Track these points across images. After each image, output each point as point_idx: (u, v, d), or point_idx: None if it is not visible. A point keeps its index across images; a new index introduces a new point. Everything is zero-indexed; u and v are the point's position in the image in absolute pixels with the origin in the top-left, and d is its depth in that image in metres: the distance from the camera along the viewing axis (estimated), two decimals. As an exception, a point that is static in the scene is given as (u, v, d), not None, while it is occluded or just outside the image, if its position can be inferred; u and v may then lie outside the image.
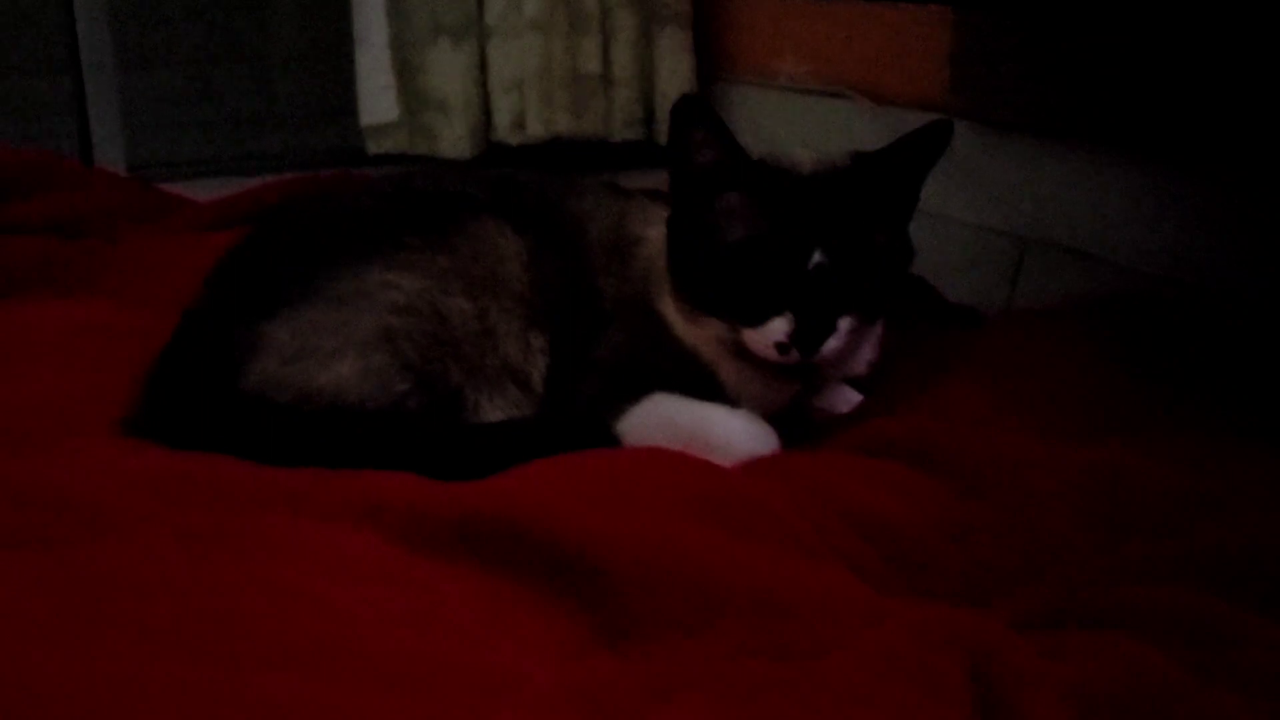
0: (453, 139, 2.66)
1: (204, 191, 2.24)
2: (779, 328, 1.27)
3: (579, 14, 2.73)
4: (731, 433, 1.29)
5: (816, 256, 1.27)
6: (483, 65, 2.69)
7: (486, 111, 2.71)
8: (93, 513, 1.06)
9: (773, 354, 1.28)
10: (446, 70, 2.63)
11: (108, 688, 0.79)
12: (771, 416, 1.35)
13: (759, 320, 1.28)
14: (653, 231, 1.41)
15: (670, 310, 1.36)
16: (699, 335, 1.35)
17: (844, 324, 1.28)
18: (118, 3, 2.82)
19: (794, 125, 2.56)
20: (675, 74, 2.79)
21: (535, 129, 2.70)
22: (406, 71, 2.63)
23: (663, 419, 1.30)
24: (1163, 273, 1.72)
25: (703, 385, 1.34)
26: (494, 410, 1.32)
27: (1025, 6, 1.94)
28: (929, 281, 1.86)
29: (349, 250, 1.33)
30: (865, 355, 1.43)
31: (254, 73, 3.13)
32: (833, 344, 1.28)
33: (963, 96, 2.13)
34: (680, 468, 1.15)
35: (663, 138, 2.66)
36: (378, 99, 2.58)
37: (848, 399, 1.44)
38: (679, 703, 0.85)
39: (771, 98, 2.65)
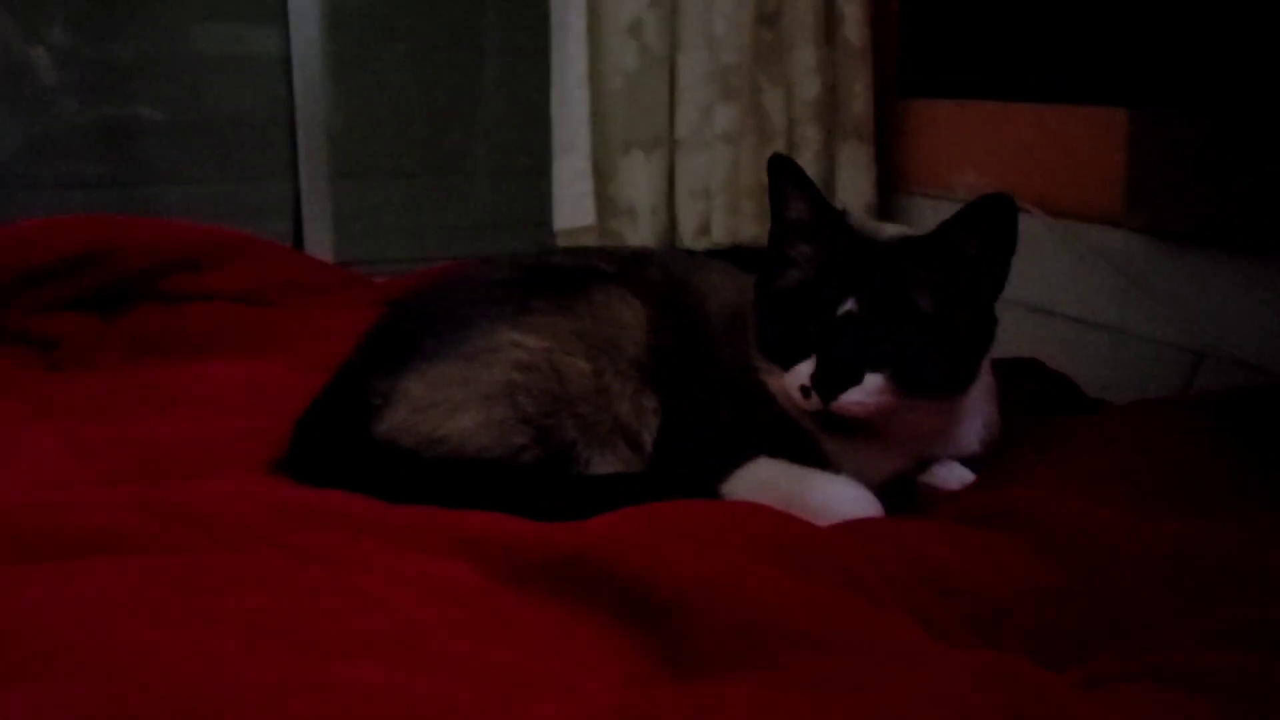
0: (638, 242, 2.76)
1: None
2: (803, 370, 1.30)
3: (767, 128, 2.81)
4: (830, 496, 1.31)
5: (847, 305, 1.29)
6: (671, 174, 2.79)
7: (672, 217, 2.81)
8: (218, 529, 1.18)
9: (800, 399, 1.31)
10: (636, 179, 2.75)
11: (202, 662, 0.91)
12: (883, 491, 1.37)
13: (791, 363, 1.32)
14: None
15: (771, 381, 1.39)
16: (793, 403, 1.37)
17: (872, 380, 1.29)
18: (335, 118, 3.05)
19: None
20: (855, 186, 2.84)
21: (719, 236, 2.78)
22: (598, 179, 2.75)
23: (765, 480, 1.34)
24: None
25: (807, 454, 1.37)
26: (604, 466, 1.39)
27: (1203, 106, 1.93)
28: (1070, 378, 1.85)
29: (481, 313, 1.43)
30: (974, 432, 1.44)
31: (457, 184, 3.32)
32: (857, 397, 1.28)
33: (1138, 209, 2.12)
34: (759, 517, 1.19)
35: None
36: (575, 205, 2.71)
37: (960, 477, 1.44)
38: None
39: (950, 211, 2.66)
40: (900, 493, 1.41)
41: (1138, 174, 2.11)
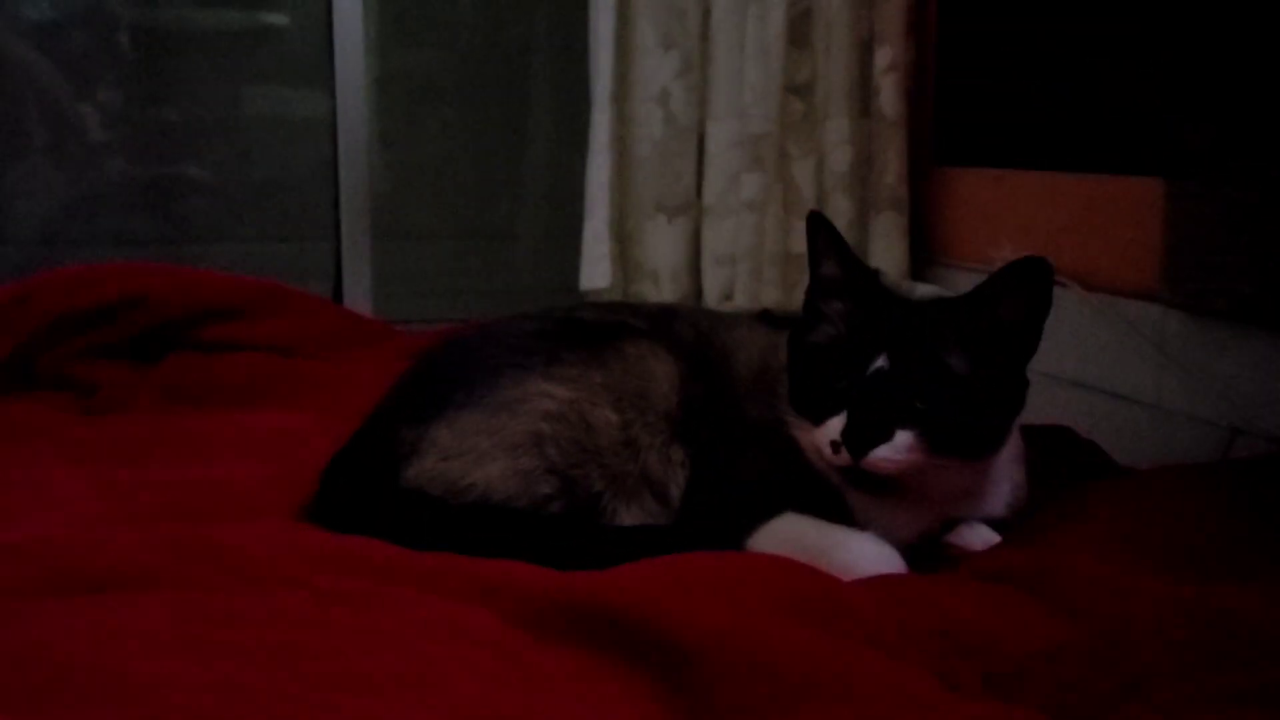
0: (661, 305, 2.78)
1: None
2: (834, 426, 1.30)
3: (795, 197, 2.82)
4: (856, 552, 1.31)
5: (879, 362, 1.30)
6: (697, 239, 2.82)
7: (697, 282, 2.83)
8: (244, 569, 1.19)
9: (830, 454, 1.31)
10: (660, 243, 2.77)
11: (219, 691, 0.92)
12: (908, 550, 1.37)
13: (822, 418, 1.32)
14: None
15: (802, 436, 1.39)
16: (823, 459, 1.38)
17: (902, 437, 1.29)
18: (379, 180, 3.10)
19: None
20: (890, 256, 2.84)
21: (742, 301, 2.79)
22: (625, 242, 2.79)
23: (790, 535, 1.34)
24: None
25: (834, 510, 1.37)
26: (630, 518, 1.40)
27: (1241, 179, 1.93)
28: (1100, 446, 1.84)
29: (511, 362, 1.45)
30: (1001, 495, 1.44)
31: (496, 248, 3.36)
32: (886, 454, 1.29)
33: (1175, 283, 2.12)
34: (780, 569, 1.20)
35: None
36: (595, 267, 2.74)
37: (985, 539, 1.43)
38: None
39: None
40: (925, 552, 1.40)
41: (1175, 246, 2.10)
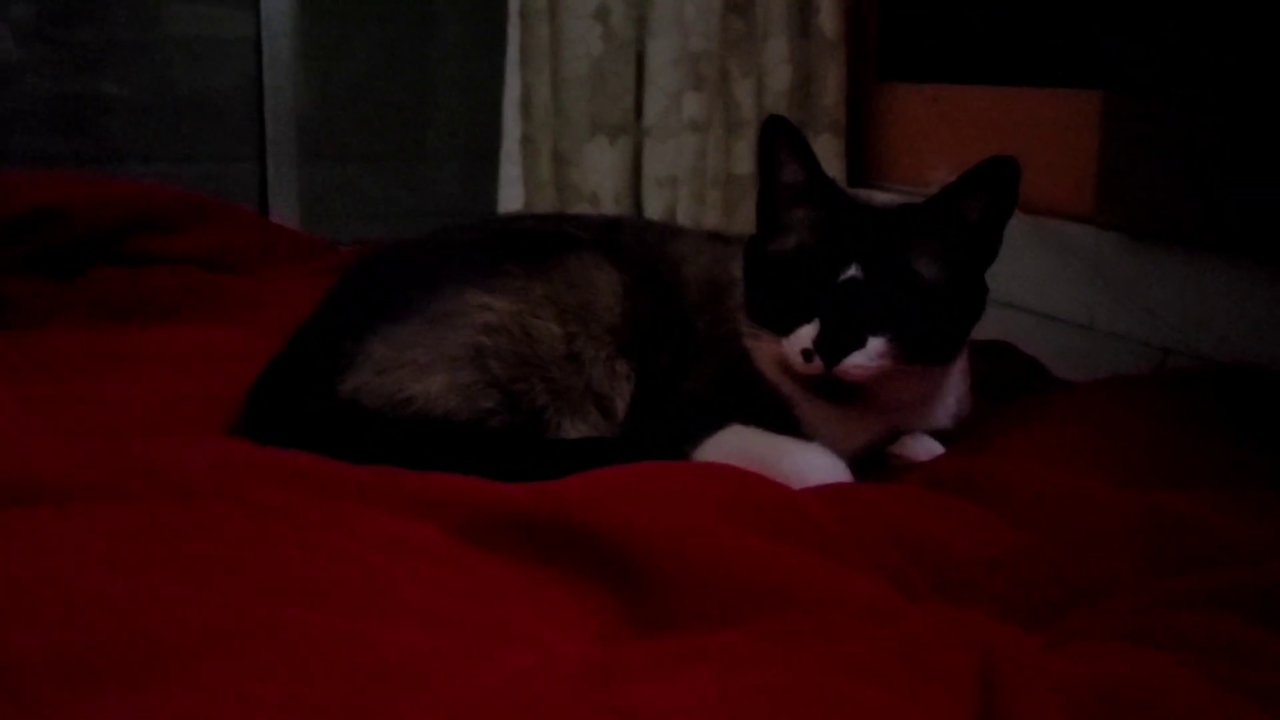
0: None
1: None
2: (805, 334, 1.29)
3: (736, 118, 2.80)
4: (801, 463, 1.30)
5: (851, 270, 1.29)
6: (638, 161, 2.78)
7: (637, 206, 2.79)
8: (176, 482, 1.15)
9: (800, 363, 1.30)
10: (600, 165, 2.73)
11: (156, 606, 0.87)
12: (853, 462, 1.36)
13: (790, 328, 1.31)
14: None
15: (754, 347, 1.39)
16: (776, 370, 1.37)
17: (875, 344, 1.29)
18: (304, 103, 3.03)
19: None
20: (828, 178, 2.83)
21: (684, 224, 2.76)
22: (561, 164, 2.74)
23: (736, 447, 1.32)
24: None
25: (782, 421, 1.37)
26: (575, 432, 1.37)
27: (1176, 99, 1.92)
28: (1041, 362, 1.85)
29: (450, 274, 1.40)
30: (947, 407, 1.44)
31: (421, 168, 3.29)
32: (860, 360, 1.28)
33: (1110, 206, 2.12)
34: (735, 477, 1.18)
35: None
36: (509, 189, 2.69)
37: (929, 449, 1.43)
38: (684, 671, 0.86)
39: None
40: (871, 463, 1.40)
41: (1110, 167, 2.10)
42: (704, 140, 2.74)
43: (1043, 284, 2.20)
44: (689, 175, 2.75)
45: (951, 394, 1.45)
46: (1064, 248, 2.16)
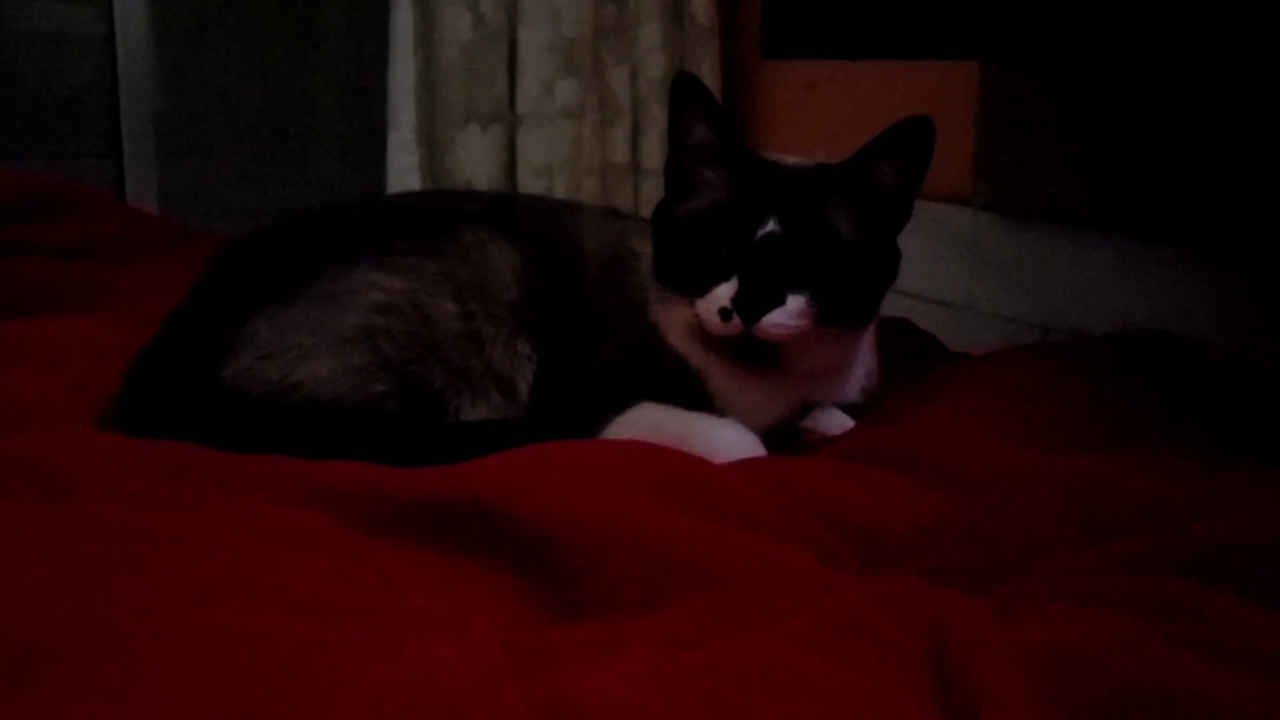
0: (475, 220, 2.67)
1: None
2: (723, 293, 1.26)
3: (611, 105, 2.77)
4: (715, 438, 1.26)
5: (769, 226, 1.26)
6: (512, 149, 2.72)
7: (513, 194, 2.74)
8: (48, 478, 1.05)
9: (717, 324, 1.27)
10: (473, 154, 2.67)
11: (37, 609, 0.79)
12: (764, 438, 1.32)
13: (706, 288, 1.27)
14: (651, 249, 1.40)
15: (663, 319, 1.34)
16: (687, 342, 1.33)
17: (794, 302, 1.26)
18: (160, 99, 2.91)
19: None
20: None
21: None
22: (434, 151, 2.67)
23: (648, 424, 1.27)
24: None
25: (693, 396, 1.33)
26: (476, 414, 1.30)
27: (1052, 75, 1.93)
28: (936, 337, 1.85)
29: (337, 253, 1.33)
30: (857, 379, 1.41)
31: (292, 164, 3.19)
32: (779, 318, 1.25)
33: (987, 185, 2.12)
34: (650, 454, 1.12)
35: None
36: (404, 179, 2.62)
37: (841, 423, 1.40)
38: (619, 654, 0.81)
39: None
40: (783, 438, 1.37)
41: (987, 145, 2.10)
42: (579, 128, 2.71)
43: (924, 268, 2.20)
44: (564, 163, 2.72)
45: (862, 365, 1.43)
46: (943, 230, 2.16)
